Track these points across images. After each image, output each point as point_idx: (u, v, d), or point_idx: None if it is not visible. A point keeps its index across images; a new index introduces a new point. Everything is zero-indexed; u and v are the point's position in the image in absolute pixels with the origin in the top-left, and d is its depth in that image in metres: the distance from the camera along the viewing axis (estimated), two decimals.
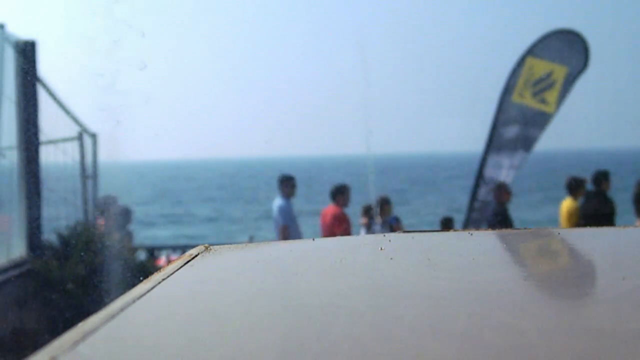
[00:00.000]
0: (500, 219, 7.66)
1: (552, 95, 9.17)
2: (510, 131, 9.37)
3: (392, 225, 8.22)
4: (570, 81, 9.17)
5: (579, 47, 9.20)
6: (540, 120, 9.31)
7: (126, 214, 7.40)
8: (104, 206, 7.66)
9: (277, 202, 7.69)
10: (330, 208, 7.66)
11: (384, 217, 8.29)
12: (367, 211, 8.36)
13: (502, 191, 8.14)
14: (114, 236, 6.99)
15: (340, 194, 7.66)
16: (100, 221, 7.60)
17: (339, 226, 7.34)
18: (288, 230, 7.42)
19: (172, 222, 37.14)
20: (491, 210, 8.10)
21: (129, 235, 7.23)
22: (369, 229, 8.15)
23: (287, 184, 7.60)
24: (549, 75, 9.17)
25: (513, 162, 9.35)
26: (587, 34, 9.34)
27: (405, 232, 1.68)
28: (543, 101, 9.21)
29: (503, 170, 9.34)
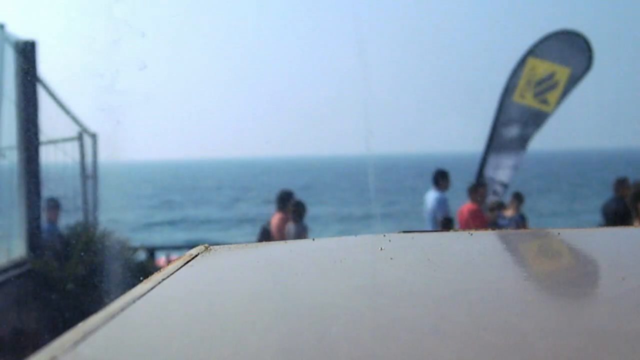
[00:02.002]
0: (621, 215, 7.57)
1: (554, 96, 9.18)
2: (511, 131, 9.38)
3: (518, 222, 8.36)
4: (573, 82, 9.17)
5: (582, 48, 9.20)
6: (537, 119, 9.32)
7: (302, 208, 7.53)
8: (281, 200, 7.78)
9: (433, 195, 8.08)
10: (467, 205, 7.97)
11: (512, 213, 8.51)
12: (494, 207, 8.56)
13: (624, 186, 8.06)
14: (292, 230, 7.24)
15: (475, 191, 8.00)
16: (277, 215, 7.74)
17: (474, 222, 7.65)
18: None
19: (180, 225, 36.78)
20: (613, 206, 7.97)
21: (305, 230, 7.36)
22: (496, 224, 8.34)
23: (443, 178, 8.13)
24: (551, 76, 9.17)
25: (515, 161, 9.36)
26: (587, 34, 9.34)
27: (405, 232, 1.68)
28: (544, 102, 9.22)
29: (504, 170, 9.35)
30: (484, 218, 7.98)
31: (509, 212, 8.64)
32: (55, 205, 7.53)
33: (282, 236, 7.23)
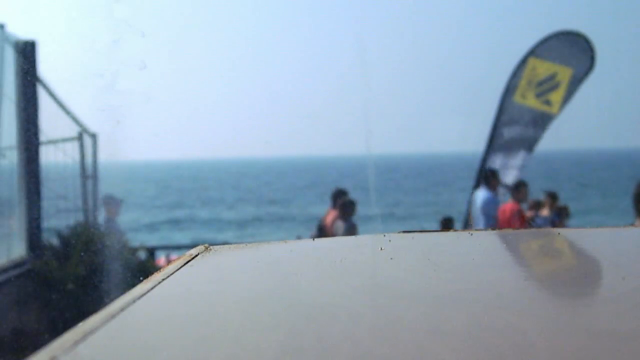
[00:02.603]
0: None
1: (556, 97, 9.17)
2: (512, 131, 9.37)
3: (555, 220, 8.43)
4: (575, 83, 9.17)
5: (584, 48, 9.19)
6: (542, 121, 9.31)
7: (351, 206, 7.67)
8: (334, 198, 7.97)
9: (483, 194, 8.20)
10: (509, 204, 8.01)
11: (549, 211, 8.59)
12: (534, 205, 8.64)
13: None
14: (341, 227, 7.37)
15: (518, 190, 8.06)
16: (331, 212, 7.91)
17: (517, 221, 7.69)
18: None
19: (182, 225, 36.52)
20: None
21: (353, 228, 7.48)
22: (533, 222, 8.41)
23: (494, 177, 8.31)
24: (553, 76, 9.17)
25: (514, 162, 9.35)
26: (589, 34, 9.34)
27: (405, 232, 1.68)
28: (547, 102, 9.21)
29: (505, 170, 9.35)
30: (525, 217, 8.04)
31: (544, 212, 8.71)
32: (113, 201, 7.84)
33: (334, 233, 7.43)
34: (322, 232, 7.88)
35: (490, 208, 8.08)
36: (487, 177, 8.30)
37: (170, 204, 47.85)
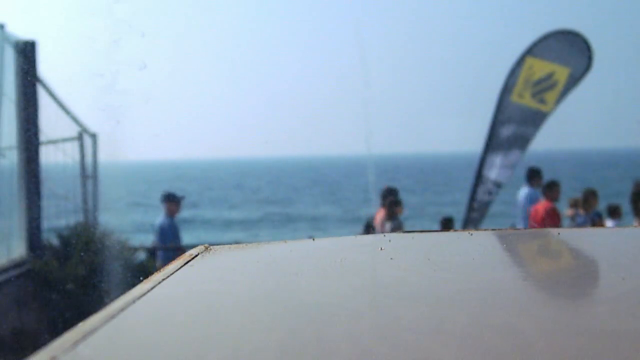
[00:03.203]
0: None
1: (552, 96, 9.17)
2: (509, 131, 9.37)
3: (595, 219, 8.45)
4: (572, 82, 9.16)
5: (581, 48, 9.18)
6: (536, 120, 9.31)
7: (397, 206, 7.81)
8: (383, 197, 8.11)
9: (526, 191, 8.38)
10: (542, 203, 8.06)
11: (588, 210, 8.64)
12: (574, 204, 8.69)
13: None
14: (388, 226, 7.51)
15: (551, 189, 8.10)
16: (380, 211, 8.04)
17: (551, 220, 7.74)
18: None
19: (185, 225, 36.24)
20: None
21: (400, 226, 7.61)
22: (573, 221, 8.45)
23: (537, 175, 8.45)
24: (550, 76, 9.16)
25: (508, 161, 9.35)
26: (586, 33, 9.33)
27: (405, 232, 1.69)
28: (542, 101, 9.21)
29: (502, 169, 9.35)
30: (559, 216, 8.09)
31: (582, 210, 8.72)
32: (174, 199, 7.99)
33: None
34: (371, 229, 8.06)
35: (531, 204, 8.18)
36: (529, 175, 8.39)
37: (187, 205, 47.66)
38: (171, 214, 7.96)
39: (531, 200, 8.24)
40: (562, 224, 8.22)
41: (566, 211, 8.80)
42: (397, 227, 7.53)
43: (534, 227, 7.76)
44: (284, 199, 48.55)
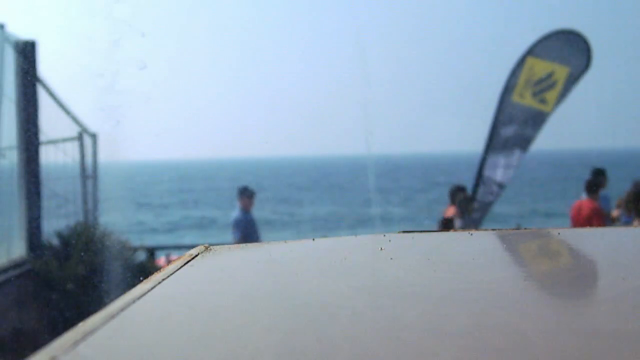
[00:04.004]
0: None
1: (552, 96, 9.17)
2: (510, 131, 9.36)
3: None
4: (571, 82, 9.16)
5: (581, 47, 9.19)
6: (537, 120, 9.31)
7: (468, 204, 7.91)
8: (452, 195, 8.20)
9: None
10: (586, 202, 8.10)
11: (632, 210, 8.70)
12: (621, 204, 8.74)
13: None
14: (458, 224, 7.64)
15: (595, 189, 8.19)
16: (450, 209, 8.15)
17: (597, 220, 7.77)
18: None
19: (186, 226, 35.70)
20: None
21: (470, 225, 7.67)
22: (619, 221, 8.53)
23: (602, 176, 8.51)
24: (550, 75, 9.16)
25: (510, 161, 9.34)
26: (586, 33, 9.33)
27: (405, 232, 1.69)
28: (542, 101, 9.20)
29: (502, 169, 9.34)
30: (605, 216, 8.12)
31: (629, 211, 8.74)
32: (249, 194, 8.22)
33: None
34: (445, 228, 8.17)
35: (603, 205, 8.25)
36: (594, 176, 8.40)
37: (181, 205, 47.46)
38: (246, 208, 8.19)
39: (603, 199, 8.27)
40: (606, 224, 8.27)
41: (613, 212, 8.83)
42: (467, 226, 7.59)
43: (575, 225, 7.81)
44: (290, 199, 48.30)
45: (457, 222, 7.68)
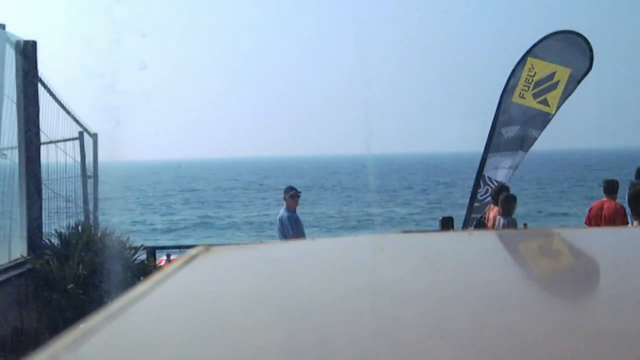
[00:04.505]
0: None
1: (553, 97, 9.16)
2: (511, 131, 9.36)
3: None
4: (573, 83, 9.15)
5: (582, 49, 9.18)
6: (540, 121, 9.30)
7: (511, 203, 7.91)
8: (495, 194, 8.26)
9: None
10: (607, 201, 8.06)
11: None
12: None
13: None
14: (501, 223, 7.65)
15: (614, 190, 8.15)
16: (492, 208, 8.23)
17: (621, 220, 7.73)
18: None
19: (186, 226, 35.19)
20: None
21: (513, 224, 7.71)
22: None
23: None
24: (551, 76, 9.16)
25: (511, 161, 9.34)
26: (587, 34, 9.33)
27: (405, 232, 1.69)
28: (544, 102, 9.20)
29: (503, 170, 9.34)
30: (627, 216, 8.15)
31: None
32: (294, 194, 8.36)
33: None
34: (482, 226, 8.29)
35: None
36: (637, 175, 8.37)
37: (182, 204, 47.29)
38: (291, 207, 8.32)
39: None
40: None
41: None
42: (512, 224, 7.65)
43: (595, 224, 7.81)
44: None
45: (500, 221, 7.75)
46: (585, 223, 8.09)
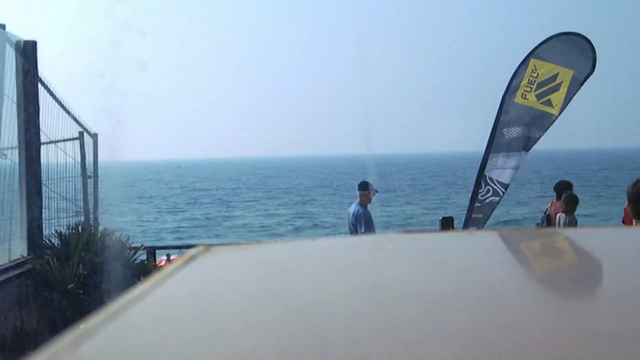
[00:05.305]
0: None
1: (557, 98, 9.16)
2: (513, 132, 9.35)
3: None
4: (575, 84, 9.15)
5: (585, 50, 9.17)
6: (543, 122, 9.29)
7: (573, 201, 8.06)
8: (558, 190, 8.49)
9: None
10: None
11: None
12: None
13: None
14: (562, 220, 7.81)
15: None
16: (555, 204, 8.41)
17: None
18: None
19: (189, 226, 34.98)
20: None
21: (574, 221, 7.82)
22: None
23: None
24: (554, 77, 9.15)
25: (515, 162, 9.33)
26: (588, 34, 9.33)
27: (405, 232, 1.69)
28: (548, 103, 9.19)
29: (504, 170, 9.33)
30: None
31: None
32: (368, 189, 8.56)
33: (557, 226, 7.93)
34: (548, 221, 8.51)
35: None
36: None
37: (182, 204, 47.25)
38: (364, 202, 8.49)
39: None
40: None
41: None
42: (572, 223, 7.75)
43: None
44: (302, 200, 47.92)
45: (562, 218, 7.87)
46: (623, 222, 8.23)
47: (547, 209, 9.02)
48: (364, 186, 8.63)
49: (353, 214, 8.50)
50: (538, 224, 9.04)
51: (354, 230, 8.40)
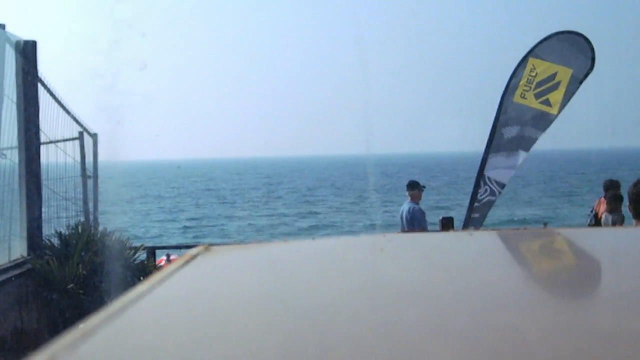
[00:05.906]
0: None
1: (556, 97, 9.15)
2: (511, 131, 9.35)
3: None
4: (574, 83, 9.14)
5: (584, 49, 9.16)
6: (542, 122, 9.29)
7: (617, 200, 8.11)
8: (606, 188, 8.60)
9: None
10: None
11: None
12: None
13: None
14: (607, 219, 7.93)
15: None
16: (602, 202, 8.52)
17: None
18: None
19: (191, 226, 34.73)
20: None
21: (620, 220, 7.89)
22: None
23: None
24: (553, 77, 9.15)
25: (513, 162, 9.33)
26: (588, 34, 9.32)
27: (405, 232, 1.69)
28: (546, 102, 9.19)
29: (504, 170, 9.33)
30: None
31: None
32: (418, 187, 8.93)
33: (603, 223, 8.06)
34: (595, 218, 8.71)
35: None
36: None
37: (182, 204, 47.15)
38: (414, 200, 8.87)
39: None
40: None
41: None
42: (619, 221, 7.81)
43: None
44: (307, 200, 47.78)
45: (608, 217, 7.97)
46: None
47: (593, 208, 9.21)
48: (414, 185, 8.99)
49: (408, 210, 8.83)
50: (590, 222, 9.12)
51: (409, 226, 8.73)
